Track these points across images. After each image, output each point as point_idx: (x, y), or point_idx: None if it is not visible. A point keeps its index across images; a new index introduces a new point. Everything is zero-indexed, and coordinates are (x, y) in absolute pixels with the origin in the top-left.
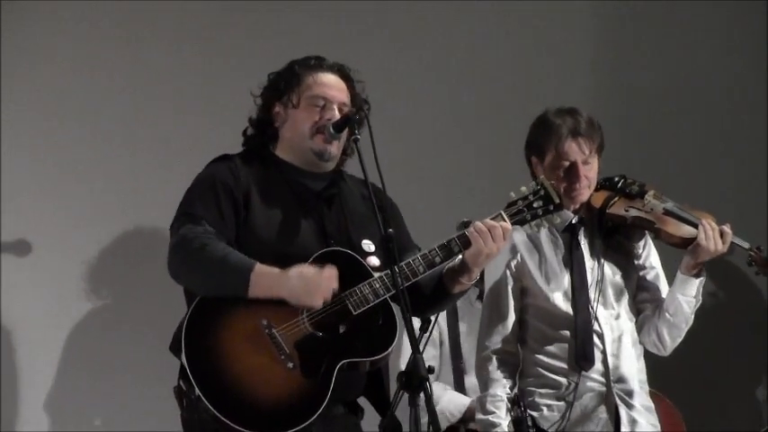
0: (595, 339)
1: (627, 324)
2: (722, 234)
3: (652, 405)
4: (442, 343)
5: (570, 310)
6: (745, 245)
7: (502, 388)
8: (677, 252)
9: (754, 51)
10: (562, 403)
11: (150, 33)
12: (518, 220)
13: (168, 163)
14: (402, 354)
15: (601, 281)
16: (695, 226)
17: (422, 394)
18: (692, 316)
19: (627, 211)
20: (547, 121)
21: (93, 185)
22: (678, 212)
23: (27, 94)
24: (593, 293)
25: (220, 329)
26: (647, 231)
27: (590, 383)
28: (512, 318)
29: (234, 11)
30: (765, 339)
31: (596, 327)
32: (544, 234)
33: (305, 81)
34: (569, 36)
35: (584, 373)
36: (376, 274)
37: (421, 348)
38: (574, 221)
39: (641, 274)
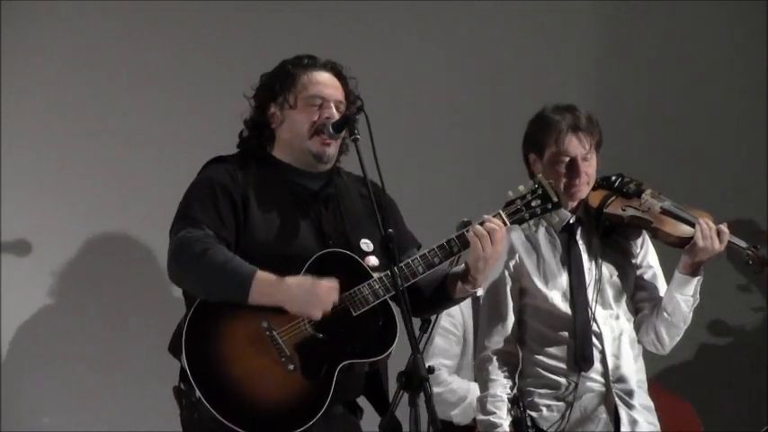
0: (594, 339)
1: (625, 324)
2: (719, 233)
3: (651, 405)
4: (465, 340)
5: (569, 311)
6: (743, 244)
7: (502, 388)
8: (676, 251)
9: (754, 51)
10: (561, 403)
11: (150, 32)
12: (516, 219)
13: (169, 162)
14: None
15: (599, 281)
16: (692, 225)
17: (422, 394)
18: (691, 315)
19: (624, 210)
20: (546, 117)
21: (93, 185)
22: (675, 211)
23: (27, 93)
24: (591, 293)
25: (221, 331)
26: (644, 231)
27: (589, 383)
28: (511, 318)
29: (234, 11)
30: (765, 339)
31: (595, 327)
32: (542, 234)
33: (300, 81)
34: (570, 36)
35: (583, 373)
36: (375, 275)
37: (423, 346)
38: (571, 221)
39: (639, 273)
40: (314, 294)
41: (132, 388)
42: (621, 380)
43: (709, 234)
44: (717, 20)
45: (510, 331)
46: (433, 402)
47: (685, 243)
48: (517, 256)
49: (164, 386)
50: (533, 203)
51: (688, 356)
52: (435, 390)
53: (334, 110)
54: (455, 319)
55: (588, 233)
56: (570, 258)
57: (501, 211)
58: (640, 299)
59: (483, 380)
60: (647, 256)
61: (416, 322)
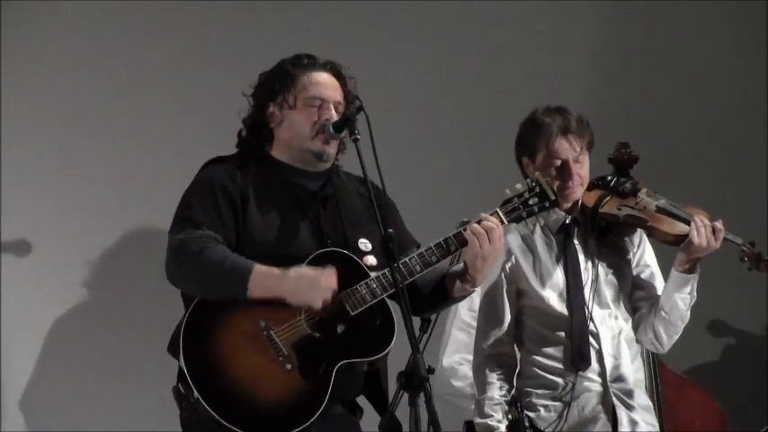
0: (591, 339)
1: (623, 323)
2: (715, 230)
3: (650, 404)
4: None
5: (566, 311)
6: (738, 240)
7: (499, 390)
8: (674, 249)
9: (754, 51)
10: (559, 404)
11: (150, 33)
12: (514, 218)
13: (169, 162)
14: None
15: (595, 280)
16: (688, 223)
17: (422, 394)
18: (688, 313)
19: (619, 209)
20: (536, 120)
21: (93, 185)
22: (671, 209)
23: (27, 94)
24: (588, 293)
25: (218, 331)
26: (640, 229)
27: (587, 384)
28: (507, 320)
29: (234, 11)
30: (765, 339)
31: (592, 327)
32: (538, 235)
33: (300, 81)
34: (570, 36)
35: (580, 373)
36: (373, 274)
37: (423, 346)
38: (567, 221)
39: (636, 272)
40: (313, 284)
41: (132, 388)
42: (620, 379)
43: (705, 231)
44: (717, 20)
45: (507, 333)
46: (433, 403)
47: (681, 241)
48: (513, 257)
49: (164, 386)
50: (531, 202)
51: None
52: (456, 384)
53: (333, 111)
54: (476, 313)
55: (584, 233)
56: (566, 259)
57: (498, 210)
58: (638, 298)
59: (480, 382)
60: (645, 254)
61: (416, 322)
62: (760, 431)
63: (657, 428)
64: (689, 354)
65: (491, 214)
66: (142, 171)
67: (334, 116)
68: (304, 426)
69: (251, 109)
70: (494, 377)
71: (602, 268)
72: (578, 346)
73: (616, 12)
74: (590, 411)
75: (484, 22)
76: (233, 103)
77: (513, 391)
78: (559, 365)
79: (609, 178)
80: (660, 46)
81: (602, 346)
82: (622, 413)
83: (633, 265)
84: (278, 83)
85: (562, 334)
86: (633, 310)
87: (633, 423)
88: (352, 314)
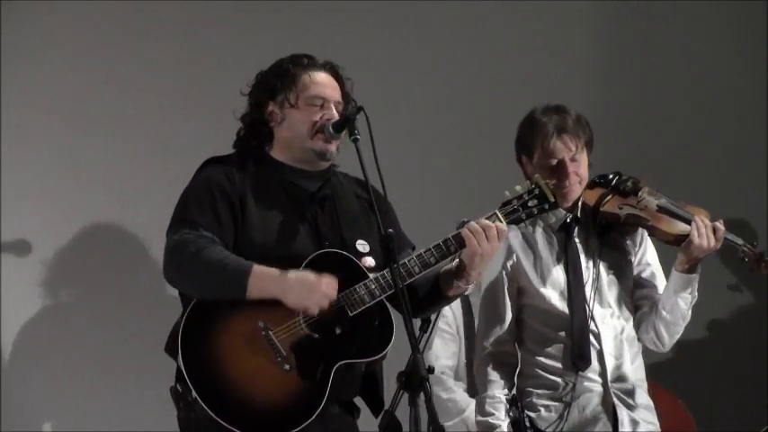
0: (592, 339)
1: (624, 322)
2: (715, 230)
3: (651, 404)
4: (459, 337)
5: (567, 310)
6: (739, 241)
7: (500, 389)
8: (675, 249)
9: (754, 51)
10: (559, 404)
11: (150, 33)
12: (513, 219)
13: (169, 163)
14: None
15: (597, 279)
16: (689, 222)
17: (422, 394)
18: (690, 312)
19: (620, 208)
20: (533, 119)
21: (93, 185)
22: (672, 209)
23: (27, 94)
24: (589, 292)
25: (217, 331)
26: (641, 229)
27: (587, 383)
28: (509, 319)
29: (234, 11)
30: (765, 339)
31: (593, 326)
32: (539, 234)
33: (301, 80)
34: (570, 36)
35: (581, 373)
36: (371, 275)
37: (423, 346)
38: (568, 220)
39: (637, 271)
40: (312, 289)
41: (132, 388)
42: (620, 379)
43: (705, 231)
44: (717, 20)
45: (508, 332)
46: (434, 403)
47: (682, 240)
48: (514, 255)
49: (163, 386)
50: (530, 203)
51: (688, 356)
52: (442, 395)
53: (334, 110)
54: (447, 318)
55: (585, 232)
56: (567, 257)
57: (497, 211)
58: (639, 297)
59: (481, 381)
60: (646, 253)
61: (416, 322)
62: (760, 431)
63: (658, 428)
64: (689, 354)
65: (490, 215)
66: (142, 171)
67: (336, 116)
68: (302, 426)
69: (249, 108)
70: (495, 375)
71: (603, 267)
72: (579, 345)
73: (616, 12)
74: (591, 412)
75: (484, 22)
76: (233, 104)
77: (513, 390)
78: (560, 365)
79: (610, 177)
80: (660, 46)
81: (604, 346)
82: (623, 413)
83: (634, 264)
84: (279, 82)
85: (563, 333)
86: (634, 309)
87: (634, 423)
88: (351, 315)
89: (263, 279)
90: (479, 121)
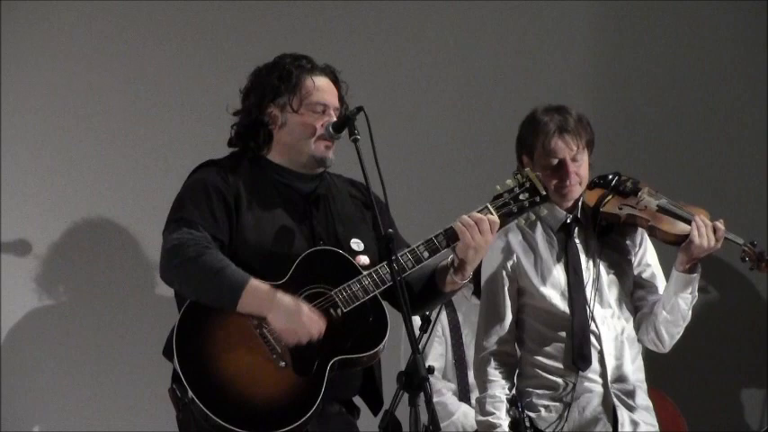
0: (592, 339)
1: (624, 323)
2: (715, 230)
3: (650, 404)
4: (445, 337)
5: (567, 310)
6: (739, 240)
7: (500, 389)
8: (675, 249)
9: (754, 51)
10: (559, 404)
11: (150, 33)
12: (505, 213)
13: (169, 163)
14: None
15: (597, 280)
16: (689, 222)
17: (422, 394)
18: (690, 312)
19: (620, 209)
20: (535, 119)
21: (93, 185)
22: (672, 209)
23: (27, 94)
24: (589, 293)
25: (211, 330)
26: (641, 229)
27: (587, 384)
28: (509, 319)
29: (234, 11)
30: (765, 339)
31: (593, 326)
32: (539, 234)
33: (304, 85)
34: (570, 36)
35: (581, 373)
36: (365, 272)
37: (423, 346)
38: (568, 221)
39: (638, 271)
40: (298, 321)
41: (133, 388)
42: (621, 380)
43: (705, 231)
44: (717, 20)
45: (508, 332)
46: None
47: (682, 240)
48: (515, 256)
49: (163, 386)
50: (521, 197)
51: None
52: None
53: (334, 117)
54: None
55: (586, 232)
56: (568, 258)
57: (489, 205)
58: (639, 297)
59: (481, 381)
60: (646, 254)
61: (416, 323)
62: (760, 431)
63: (657, 429)
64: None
65: (481, 209)
66: (142, 171)
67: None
68: (299, 422)
69: (249, 107)
70: (495, 375)
71: (603, 268)
72: (579, 345)
73: (616, 12)
74: (591, 412)
75: (484, 22)
76: (233, 104)
77: (513, 390)
78: (560, 365)
79: (610, 177)
80: (660, 46)
81: (604, 347)
82: (623, 413)
83: (635, 264)
84: (281, 84)
85: (563, 333)
86: (634, 309)
87: (634, 424)
88: (345, 311)
89: (255, 297)
90: (479, 120)
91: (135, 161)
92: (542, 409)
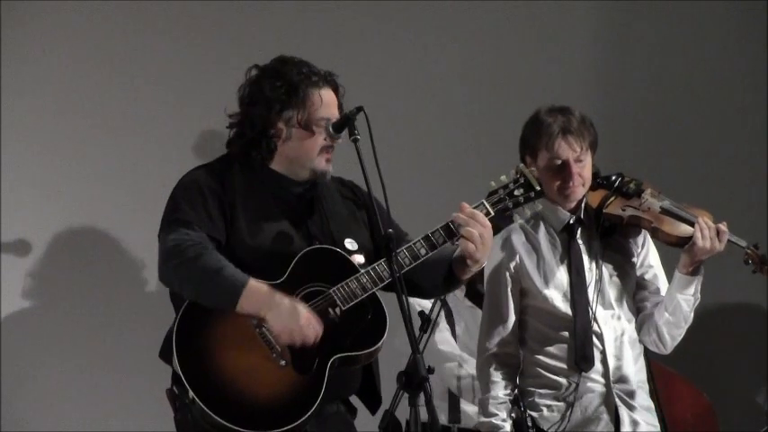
0: (595, 340)
1: (626, 324)
2: (719, 232)
3: (652, 405)
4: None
5: (569, 311)
6: (742, 243)
7: (503, 389)
8: (678, 250)
9: (754, 51)
10: (562, 404)
11: (150, 33)
12: (500, 209)
13: (170, 163)
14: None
15: (599, 281)
16: (692, 224)
17: (422, 394)
18: (692, 314)
19: (623, 210)
20: (538, 120)
21: (93, 185)
22: (675, 211)
23: (27, 94)
24: (592, 294)
25: (211, 330)
26: (644, 230)
27: (590, 384)
28: (512, 319)
29: (234, 11)
30: (765, 339)
31: (595, 327)
32: (542, 235)
33: (312, 100)
34: (570, 36)
35: (583, 373)
36: (362, 270)
37: (423, 346)
38: (571, 222)
39: (640, 273)
40: (296, 324)
41: (132, 389)
42: (622, 380)
43: (709, 233)
44: (717, 20)
45: (511, 333)
46: (433, 403)
47: (685, 243)
48: (517, 256)
49: (162, 387)
50: (516, 192)
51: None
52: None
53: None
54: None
55: (588, 233)
56: (570, 258)
57: (484, 201)
58: (641, 298)
59: (484, 381)
60: (648, 255)
61: (416, 323)
62: (760, 431)
63: (658, 429)
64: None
65: (477, 205)
66: (143, 172)
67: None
68: (299, 421)
69: (254, 119)
70: (498, 376)
71: (606, 269)
72: (582, 346)
73: (616, 12)
74: (592, 412)
75: (485, 22)
76: (234, 104)
77: (516, 391)
78: (563, 365)
79: (613, 179)
80: (660, 46)
81: (606, 347)
82: (624, 413)
83: (637, 265)
84: (288, 98)
85: (566, 334)
86: (636, 310)
87: (635, 423)
88: (344, 309)
89: (254, 298)
90: (481, 121)
91: (135, 161)
92: (545, 409)
